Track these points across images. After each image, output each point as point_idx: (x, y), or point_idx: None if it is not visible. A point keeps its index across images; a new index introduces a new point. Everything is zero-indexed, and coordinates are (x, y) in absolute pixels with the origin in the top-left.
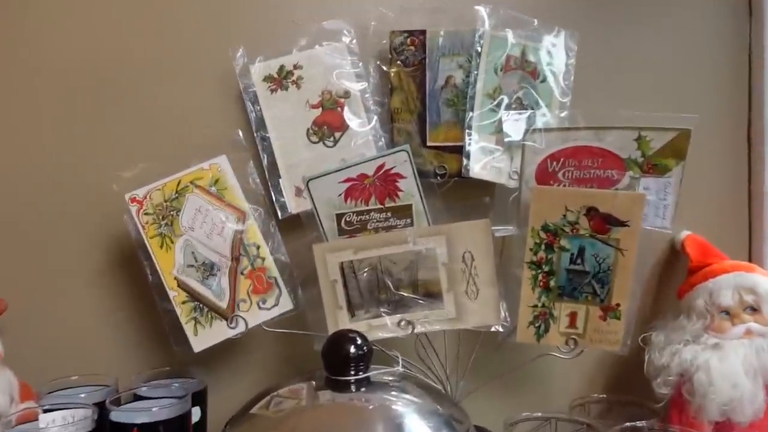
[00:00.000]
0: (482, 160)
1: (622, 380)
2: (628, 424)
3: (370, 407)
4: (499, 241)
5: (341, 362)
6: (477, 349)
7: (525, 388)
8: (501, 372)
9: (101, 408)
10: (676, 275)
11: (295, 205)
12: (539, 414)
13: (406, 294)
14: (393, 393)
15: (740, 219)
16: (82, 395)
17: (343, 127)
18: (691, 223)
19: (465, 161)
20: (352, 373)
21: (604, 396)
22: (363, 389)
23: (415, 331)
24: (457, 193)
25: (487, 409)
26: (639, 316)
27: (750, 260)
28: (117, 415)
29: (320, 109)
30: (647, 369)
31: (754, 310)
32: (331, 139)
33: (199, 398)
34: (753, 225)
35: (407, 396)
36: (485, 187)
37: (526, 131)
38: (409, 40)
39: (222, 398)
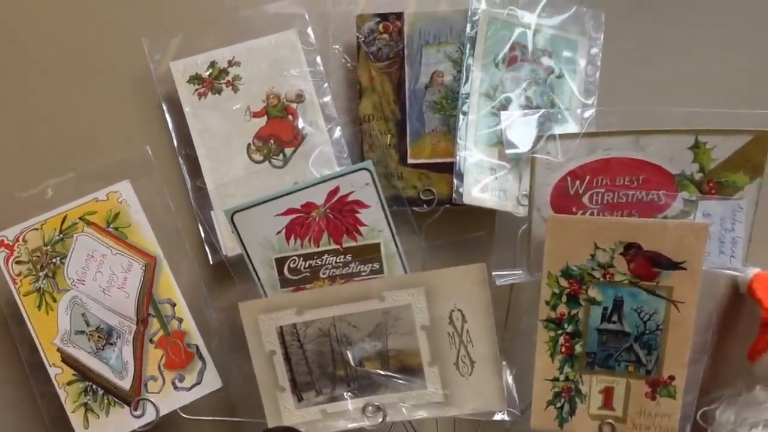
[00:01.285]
0: (481, 181)
1: None
2: None
3: None
4: (504, 292)
5: None
6: None
7: None
8: None
9: None
10: (742, 325)
11: (231, 246)
12: None
13: (372, 370)
14: None
15: None
16: None
17: (296, 140)
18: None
19: (457, 182)
20: None
21: None
22: None
23: (388, 419)
24: (447, 226)
25: None
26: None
27: None
28: None
29: (264, 117)
30: None
31: None
32: (280, 156)
33: None
34: None
35: None
36: (485, 217)
37: (538, 140)
38: (381, 25)
39: None
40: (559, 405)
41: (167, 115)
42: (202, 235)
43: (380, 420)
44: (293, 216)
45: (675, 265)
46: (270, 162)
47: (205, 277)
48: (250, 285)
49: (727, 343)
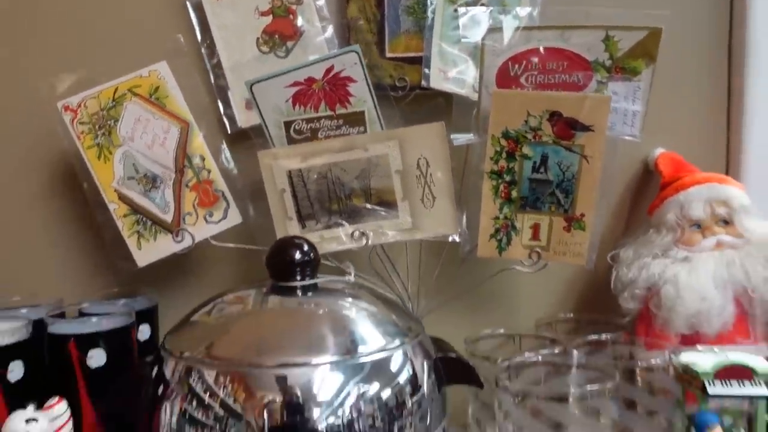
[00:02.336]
0: (444, 71)
1: (591, 300)
2: (592, 336)
3: (319, 312)
4: (461, 152)
5: (286, 268)
6: (439, 266)
7: (490, 306)
8: (465, 288)
9: (41, 323)
10: (649, 196)
11: (245, 118)
12: (502, 331)
13: (358, 204)
14: (343, 299)
15: (717, 129)
16: (23, 310)
17: (296, 36)
18: (664, 133)
19: (425, 71)
20: (299, 279)
21: (571, 315)
22: (310, 295)
23: (370, 242)
24: (417, 105)
25: (450, 328)
26: (610, 238)
27: (727, 173)
28: (55, 328)
29: (270, 16)
30: (614, 284)
31: (725, 222)
32: (283, 49)
33: (149, 316)
34: (731, 137)
35: (358, 303)
36: (447, 99)
37: (487, 31)
38: None
39: (174, 317)
40: (499, 238)
41: (191, 12)
42: (222, 109)
43: (364, 242)
44: (298, 88)
45: (586, 128)
46: (275, 53)
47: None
48: (262, 140)
49: (638, 208)
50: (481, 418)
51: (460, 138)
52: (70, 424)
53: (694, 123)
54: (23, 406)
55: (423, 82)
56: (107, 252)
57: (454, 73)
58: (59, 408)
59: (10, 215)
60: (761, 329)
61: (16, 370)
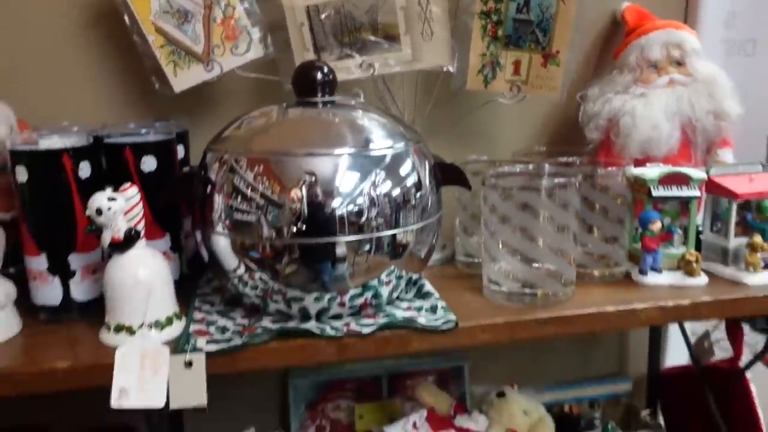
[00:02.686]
0: None
1: (562, 135)
2: (561, 158)
3: (337, 119)
4: None
5: (310, 85)
6: (433, 98)
7: (475, 137)
8: (454, 119)
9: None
10: (616, 46)
11: None
12: (485, 157)
13: (366, 37)
14: (356, 111)
15: None
16: (75, 129)
17: None
18: None
19: None
20: (320, 96)
21: (544, 148)
22: (329, 107)
23: (376, 72)
24: None
25: (440, 153)
26: (580, 83)
27: (685, 22)
28: (112, 139)
29: None
30: (582, 118)
31: (679, 64)
32: None
33: (183, 138)
34: None
35: (370, 114)
36: None
37: None
38: None
39: (203, 141)
40: (485, 73)
41: None
42: None
43: (371, 72)
44: None
45: None
46: None
47: None
48: None
49: (605, 57)
50: (467, 225)
51: None
52: (141, 206)
53: None
54: None
55: None
56: (146, 80)
57: None
58: (132, 191)
59: (56, 47)
60: (701, 155)
61: (85, 169)
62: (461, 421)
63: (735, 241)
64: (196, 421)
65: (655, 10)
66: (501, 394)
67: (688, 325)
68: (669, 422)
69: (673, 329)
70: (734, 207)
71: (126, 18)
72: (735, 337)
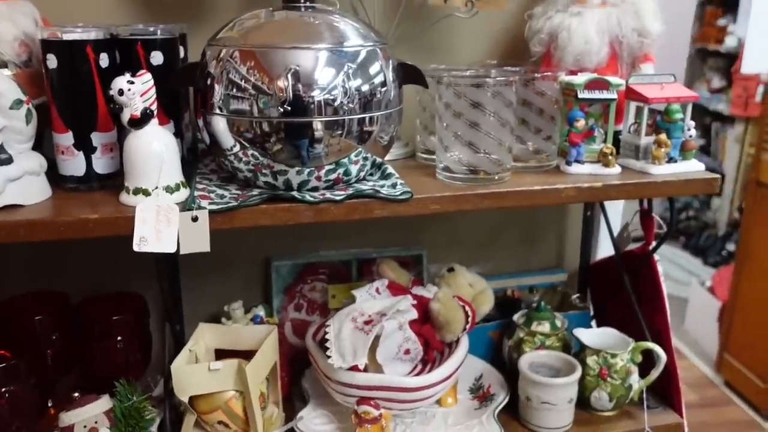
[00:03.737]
0: None
1: (512, 50)
2: (507, 68)
3: (316, 21)
4: None
5: None
6: (400, 11)
7: (435, 49)
8: (417, 32)
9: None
10: None
11: None
12: (443, 66)
13: None
14: (334, 16)
15: None
16: (90, 27)
17: None
18: None
19: None
20: (302, 1)
21: (495, 62)
22: (311, 11)
23: None
24: None
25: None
26: (529, 3)
27: None
28: (124, 35)
29: None
30: (527, 33)
31: None
32: None
33: (183, 40)
34: None
35: (345, 19)
36: None
37: None
38: None
39: (200, 44)
40: None
41: None
42: None
43: None
44: None
45: None
46: None
47: None
48: None
49: None
50: (427, 124)
51: None
52: (154, 89)
53: None
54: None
55: None
56: None
57: None
58: (147, 76)
59: None
60: (626, 69)
61: (104, 59)
62: (417, 290)
63: (645, 140)
64: (193, 292)
65: None
66: (451, 269)
67: (613, 221)
68: (596, 304)
69: (604, 230)
70: (646, 110)
71: None
72: (646, 225)
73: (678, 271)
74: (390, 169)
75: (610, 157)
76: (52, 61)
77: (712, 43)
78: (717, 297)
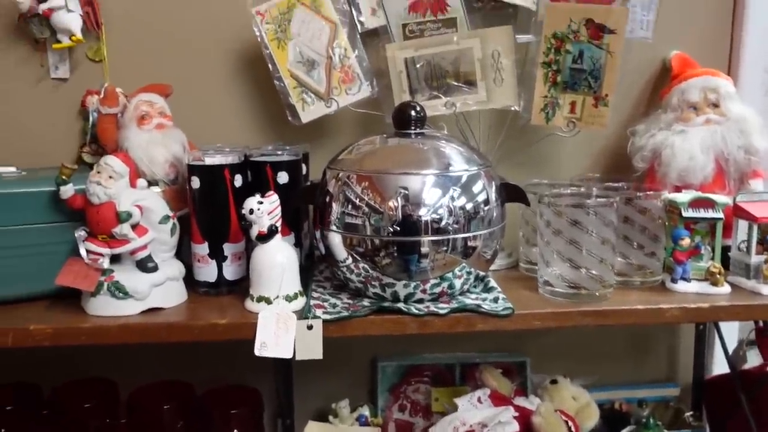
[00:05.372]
0: None
1: (612, 165)
2: (609, 183)
3: (425, 147)
4: (522, 48)
5: (405, 121)
6: (504, 131)
7: (537, 164)
8: (520, 148)
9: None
10: (665, 86)
11: (370, 21)
12: (545, 181)
13: (451, 82)
14: (441, 141)
15: (721, 33)
16: (227, 149)
17: None
18: (676, 37)
19: None
20: (413, 129)
21: (597, 175)
22: (420, 138)
23: (457, 110)
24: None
25: (508, 178)
26: (631, 120)
27: (729, 71)
28: (256, 158)
29: None
30: (630, 150)
31: (715, 105)
32: None
33: (306, 159)
34: (733, 40)
35: (451, 144)
36: (514, 9)
37: None
38: None
39: (321, 161)
40: (546, 111)
41: None
42: (354, 15)
43: (453, 110)
44: (413, 1)
45: (611, 31)
46: None
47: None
48: (386, 36)
49: (654, 99)
50: (529, 237)
51: (523, 38)
52: (280, 208)
53: (702, 29)
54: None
55: None
56: (281, 112)
57: None
58: (274, 197)
59: (215, 86)
60: (734, 184)
61: (238, 180)
62: (519, 401)
63: (756, 258)
64: (304, 389)
65: (701, 57)
66: (554, 381)
67: (727, 337)
68: (712, 423)
69: (719, 343)
70: (755, 228)
71: (269, 66)
72: (763, 344)
73: None
74: (492, 282)
75: (718, 276)
76: (195, 182)
77: None
78: None
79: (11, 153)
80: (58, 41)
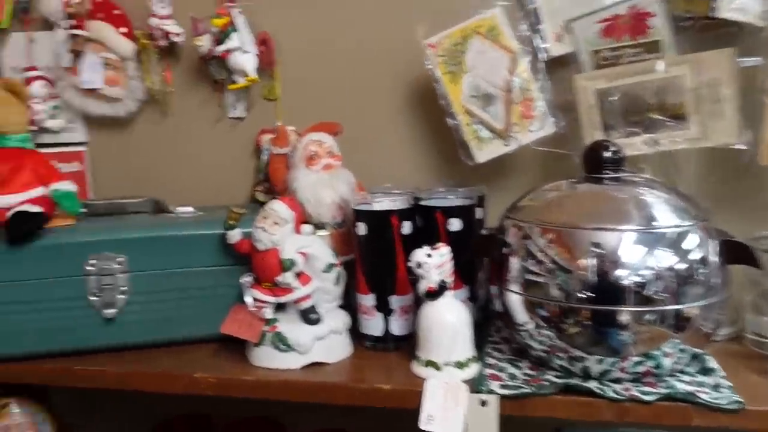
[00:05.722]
0: (732, 1)
1: None
2: None
3: (623, 195)
4: (746, 73)
5: (598, 163)
6: (722, 171)
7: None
8: (742, 193)
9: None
10: None
11: (555, 48)
12: None
13: (654, 117)
14: (642, 188)
15: None
16: (396, 190)
17: None
18: None
19: (713, 3)
20: (606, 173)
21: None
22: (615, 184)
23: (659, 148)
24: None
25: (727, 228)
26: None
27: None
28: (425, 202)
29: None
30: None
31: None
32: None
33: (481, 202)
34: None
35: (656, 191)
36: (732, 26)
37: None
38: None
39: (498, 205)
40: None
41: None
42: (536, 42)
43: (656, 148)
44: (608, 23)
45: None
46: None
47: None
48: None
49: None
50: (758, 303)
51: (747, 60)
52: (451, 262)
53: None
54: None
55: (709, 13)
56: (453, 151)
57: (737, 3)
58: (444, 249)
59: (385, 124)
60: None
61: (406, 227)
62: None
63: None
64: None
65: None
66: None
67: None
68: None
69: None
70: None
71: (442, 102)
72: None
73: None
74: (712, 362)
75: None
76: (361, 228)
77: None
78: None
79: (191, 191)
80: (234, 81)
